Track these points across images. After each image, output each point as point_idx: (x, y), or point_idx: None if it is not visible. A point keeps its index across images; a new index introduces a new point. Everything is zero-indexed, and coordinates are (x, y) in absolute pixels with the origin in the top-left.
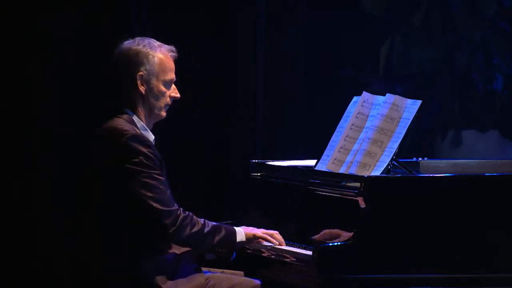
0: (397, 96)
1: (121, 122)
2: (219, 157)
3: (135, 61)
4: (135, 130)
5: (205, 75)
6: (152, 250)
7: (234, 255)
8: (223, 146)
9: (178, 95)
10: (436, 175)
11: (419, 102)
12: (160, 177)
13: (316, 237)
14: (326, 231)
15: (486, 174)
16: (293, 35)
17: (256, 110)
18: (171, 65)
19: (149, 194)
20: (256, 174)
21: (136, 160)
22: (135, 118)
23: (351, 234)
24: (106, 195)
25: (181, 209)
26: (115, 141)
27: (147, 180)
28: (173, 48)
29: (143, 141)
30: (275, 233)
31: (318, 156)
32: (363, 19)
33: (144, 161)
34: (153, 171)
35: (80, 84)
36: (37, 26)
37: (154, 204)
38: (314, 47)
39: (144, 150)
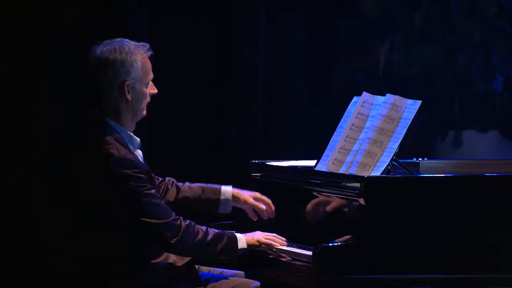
0: (397, 97)
1: (105, 141)
2: (219, 157)
3: (121, 71)
4: (118, 151)
5: (205, 75)
6: (151, 260)
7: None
8: (223, 146)
9: (155, 90)
10: (436, 175)
11: (419, 102)
12: (151, 191)
13: (315, 236)
14: (327, 232)
15: (486, 174)
16: (293, 35)
17: (256, 110)
18: (149, 64)
19: (142, 212)
20: (256, 174)
21: (123, 184)
22: (118, 128)
23: (351, 234)
24: (103, 206)
25: (181, 218)
26: (100, 167)
27: (139, 198)
28: (148, 46)
29: (127, 163)
30: (275, 235)
31: (318, 157)
32: (363, 19)
33: (132, 183)
34: (142, 189)
35: (80, 84)
36: (37, 26)
37: (150, 221)
38: (314, 47)
39: (129, 172)
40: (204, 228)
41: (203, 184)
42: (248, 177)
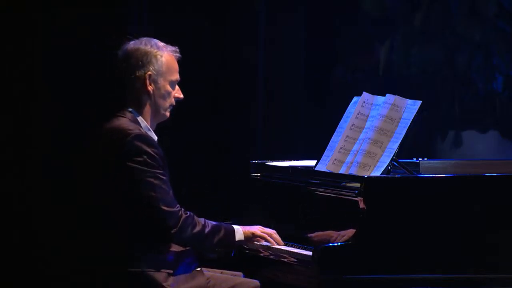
0: (397, 97)
1: (125, 122)
2: (219, 157)
3: (144, 61)
4: (139, 129)
5: (205, 75)
6: (153, 247)
7: (233, 253)
8: (223, 146)
9: (181, 95)
10: (436, 175)
11: (419, 102)
12: (163, 177)
13: (315, 237)
14: (327, 232)
15: (486, 174)
16: (293, 35)
17: (256, 110)
18: (176, 65)
19: (152, 194)
20: (256, 174)
21: (140, 159)
22: (139, 118)
23: (351, 234)
24: (108, 194)
25: (183, 209)
26: (119, 140)
27: (150, 179)
28: (177, 49)
29: (148, 140)
30: (273, 232)
31: (318, 157)
32: (363, 19)
33: (148, 160)
34: (156, 171)
35: (80, 84)
36: (37, 26)
37: (157, 204)
38: (314, 47)
39: (148, 149)
40: (202, 220)
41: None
42: (248, 177)
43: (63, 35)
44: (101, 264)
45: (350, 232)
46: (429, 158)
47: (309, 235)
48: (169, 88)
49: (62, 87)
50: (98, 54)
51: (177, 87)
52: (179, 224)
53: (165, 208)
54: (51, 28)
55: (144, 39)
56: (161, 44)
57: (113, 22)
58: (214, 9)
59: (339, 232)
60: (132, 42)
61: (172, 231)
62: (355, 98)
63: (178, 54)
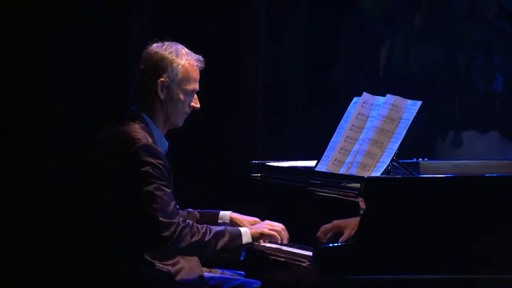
0: (397, 97)
1: (135, 129)
2: (220, 157)
3: (159, 66)
4: (147, 138)
5: (205, 75)
6: (152, 256)
7: (242, 256)
8: (223, 146)
9: (198, 105)
10: (436, 175)
11: (419, 102)
12: (166, 189)
13: (315, 237)
14: (330, 226)
15: (486, 174)
16: (293, 35)
17: (256, 110)
18: (195, 75)
19: (152, 204)
20: (256, 174)
21: (143, 169)
22: (150, 123)
23: (351, 234)
24: (109, 196)
25: (181, 219)
26: (125, 148)
27: (152, 190)
28: (201, 58)
29: (153, 151)
30: (282, 228)
31: (318, 157)
32: (363, 19)
33: (151, 171)
34: (159, 182)
35: (80, 84)
36: (37, 26)
37: (156, 215)
38: (314, 47)
39: (153, 160)
40: (203, 227)
41: (203, 210)
42: (248, 177)
43: (63, 35)
44: (101, 264)
45: (350, 232)
46: (429, 158)
47: (309, 235)
48: (181, 97)
49: (62, 87)
50: (98, 54)
51: (195, 96)
52: (175, 235)
53: (162, 219)
54: (51, 28)
55: (167, 43)
56: (184, 51)
57: (113, 22)
58: (214, 9)
59: (339, 232)
60: (154, 45)
61: (168, 243)
62: (355, 99)
63: (200, 64)
